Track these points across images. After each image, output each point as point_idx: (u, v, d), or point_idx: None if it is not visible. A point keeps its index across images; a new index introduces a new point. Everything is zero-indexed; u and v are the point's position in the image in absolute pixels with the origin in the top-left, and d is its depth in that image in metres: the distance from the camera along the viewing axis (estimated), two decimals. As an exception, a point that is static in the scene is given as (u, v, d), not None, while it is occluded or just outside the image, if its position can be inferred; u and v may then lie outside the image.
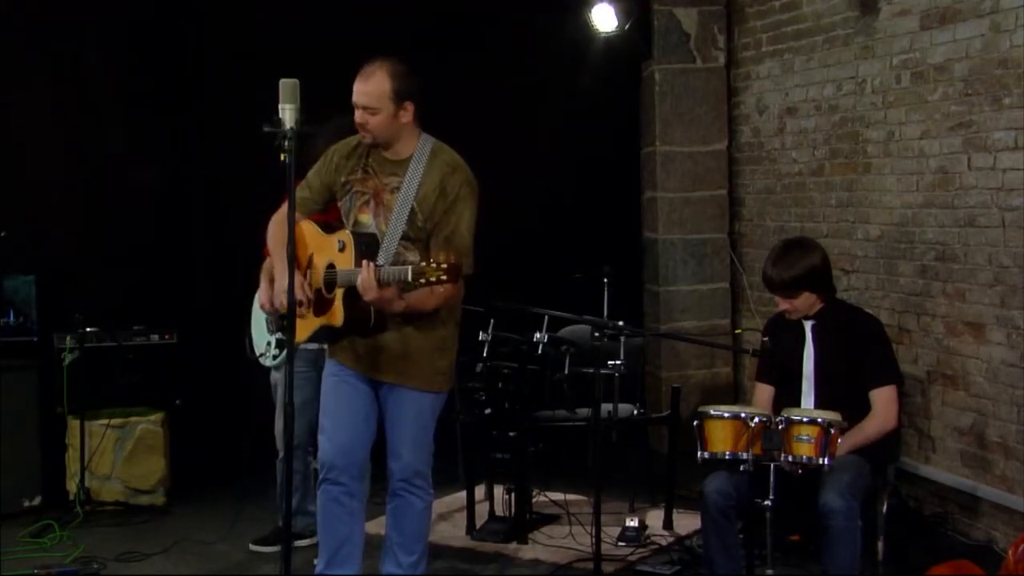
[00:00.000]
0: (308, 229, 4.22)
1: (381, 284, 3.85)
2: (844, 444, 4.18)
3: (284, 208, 4.19)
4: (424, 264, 3.77)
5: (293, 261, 3.67)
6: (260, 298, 5.16)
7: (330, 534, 4.20)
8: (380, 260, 3.98)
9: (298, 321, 4.05)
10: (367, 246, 4.01)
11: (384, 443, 4.26)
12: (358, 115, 4.06)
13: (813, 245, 4.58)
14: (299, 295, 3.96)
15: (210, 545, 5.36)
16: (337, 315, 4.02)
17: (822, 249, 4.55)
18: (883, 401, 4.37)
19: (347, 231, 4.08)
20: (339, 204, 4.21)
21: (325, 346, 4.51)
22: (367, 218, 4.12)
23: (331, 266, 4.07)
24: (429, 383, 4.17)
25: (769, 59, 6.67)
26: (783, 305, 4.47)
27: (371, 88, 4.03)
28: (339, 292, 4.01)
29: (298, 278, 4.03)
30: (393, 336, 4.08)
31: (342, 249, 4.03)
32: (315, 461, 4.85)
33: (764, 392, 4.65)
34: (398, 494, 4.25)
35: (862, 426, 4.32)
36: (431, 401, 4.20)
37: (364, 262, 3.90)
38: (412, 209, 4.04)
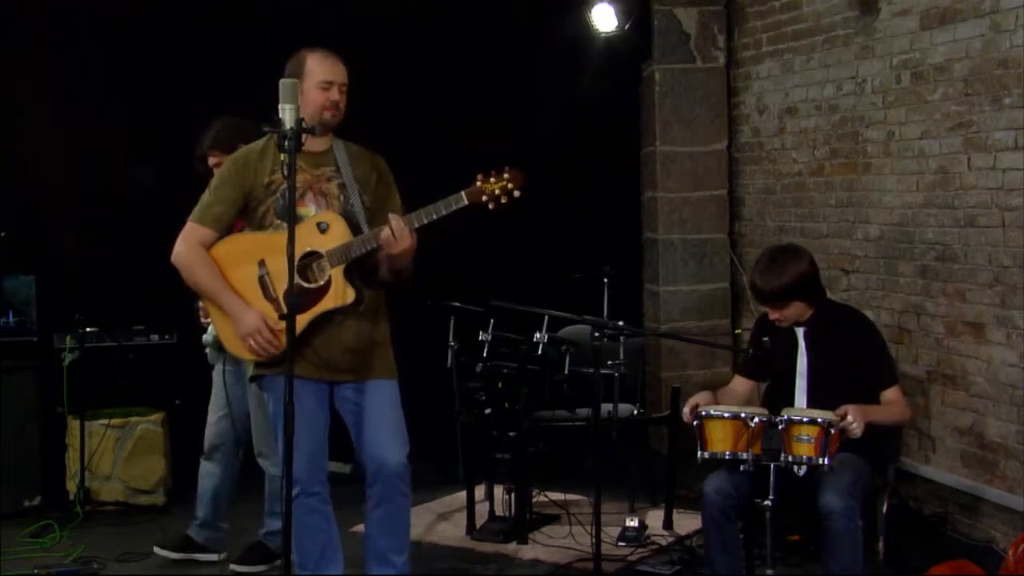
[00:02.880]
0: (242, 239, 4.10)
1: (412, 230, 3.88)
2: (867, 411, 4.12)
3: (195, 233, 4.06)
4: (479, 183, 3.81)
5: (293, 260, 3.60)
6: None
7: (312, 542, 4.10)
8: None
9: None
10: (353, 220, 3.99)
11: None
12: (335, 94, 3.99)
13: (800, 252, 4.48)
14: (264, 339, 3.92)
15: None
16: (347, 292, 3.93)
17: (809, 255, 4.46)
18: (894, 399, 4.35)
19: (327, 211, 3.99)
20: (260, 207, 4.05)
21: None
22: (308, 209, 4.02)
23: (306, 255, 3.94)
24: (394, 371, 4.16)
25: (769, 59, 6.68)
26: (772, 315, 4.42)
27: (343, 66, 4.04)
28: (336, 271, 3.93)
29: (256, 318, 3.95)
30: (351, 334, 4.03)
31: (325, 230, 3.95)
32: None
33: (741, 385, 4.64)
34: (390, 498, 4.07)
35: (886, 406, 4.29)
36: (398, 389, 4.16)
37: (391, 214, 3.88)
38: (358, 191, 4.04)
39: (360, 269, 4.01)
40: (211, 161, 4.94)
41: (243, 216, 4.13)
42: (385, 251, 3.93)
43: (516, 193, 3.90)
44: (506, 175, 3.85)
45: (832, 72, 6.08)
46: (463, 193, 3.86)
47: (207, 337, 5.01)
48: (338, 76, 4.02)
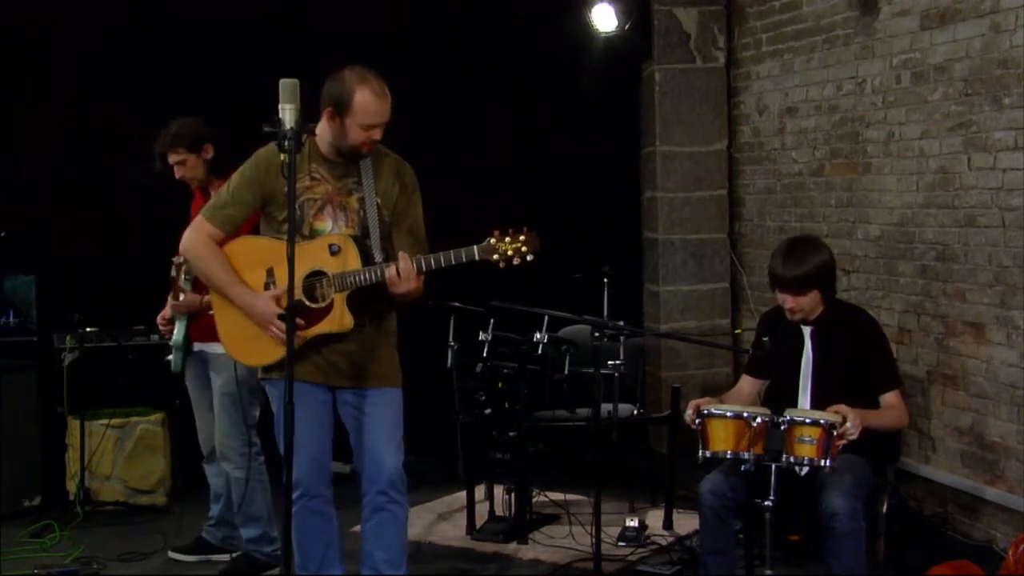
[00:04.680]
0: (255, 243, 4.08)
1: (420, 272, 3.85)
2: (865, 415, 4.10)
3: (205, 227, 4.04)
4: (494, 240, 3.76)
5: (293, 261, 3.57)
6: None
7: (314, 543, 4.08)
8: (378, 259, 3.95)
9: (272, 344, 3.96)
10: (364, 247, 3.96)
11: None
12: (377, 134, 3.93)
13: (821, 243, 4.52)
14: (275, 323, 3.88)
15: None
16: (345, 319, 3.92)
17: (829, 248, 4.49)
18: (894, 404, 4.34)
19: (341, 234, 3.95)
20: (279, 214, 3.98)
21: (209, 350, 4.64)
22: (325, 224, 3.98)
23: (314, 273, 3.93)
24: (397, 379, 4.13)
25: (769, 59, 6.68)
26: (788, 304, 4.38)
27: (389, 104, 3.95)
28: (339, 296, 3.91)
29: (268, 302, 3.93)
30: (353, 340, 4.00)
31: (336, 253, 3.91)
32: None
33: (749, 384, 4.63)
34: (383, 508, 4.03)
35: (884, 411, 4.29)
36: (401, 397, 4.13)
37: (401, 253, 3.86)
38: (378, 206, 4.00)
39: (371, 288, 3.95)
40: (172, 159, 4.94)
41: (261, 214, 4.11)
42: (389, 289, 3.89)
43: (529, 257, 3.85)
44: (522, 237, 3.79)
45: (832, 72, 6.08)
46: (475, 248, 3.81)
47: (177, 338, 4.98)
48: (383, 117, 3.92)
